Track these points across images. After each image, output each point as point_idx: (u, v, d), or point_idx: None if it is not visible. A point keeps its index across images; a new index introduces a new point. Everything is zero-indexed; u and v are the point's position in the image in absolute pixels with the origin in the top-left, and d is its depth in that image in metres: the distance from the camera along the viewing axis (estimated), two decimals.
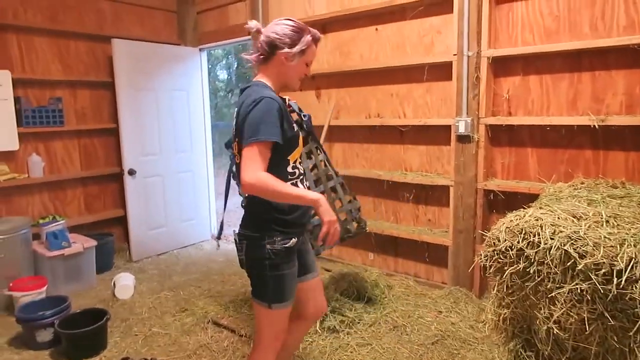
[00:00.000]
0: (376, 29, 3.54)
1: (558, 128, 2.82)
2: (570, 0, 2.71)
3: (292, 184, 1.67)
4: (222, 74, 13.28)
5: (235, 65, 12.94)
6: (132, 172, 4.24)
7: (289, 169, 1.67)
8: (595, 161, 2.75)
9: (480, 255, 1.88)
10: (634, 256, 1.50)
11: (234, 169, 2.14)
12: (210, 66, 11.65)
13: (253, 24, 1.70)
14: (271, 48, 1.65)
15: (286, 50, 1.64)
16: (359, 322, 2.78)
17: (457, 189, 3.16)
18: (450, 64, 3.09)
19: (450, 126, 3.14)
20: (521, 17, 2.90)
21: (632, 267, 1.49)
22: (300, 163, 1.73)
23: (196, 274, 3.98)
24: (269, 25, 1.69)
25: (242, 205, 1.81)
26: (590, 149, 2.76)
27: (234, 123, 1.68)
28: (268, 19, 4.14)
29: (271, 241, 1.63)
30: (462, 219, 3.15)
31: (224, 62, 12.94)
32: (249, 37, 4.26)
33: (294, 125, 1.69)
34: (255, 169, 1.49)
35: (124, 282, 3.49)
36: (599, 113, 2.66)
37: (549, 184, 2.70)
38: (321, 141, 3.75)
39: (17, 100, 3.72)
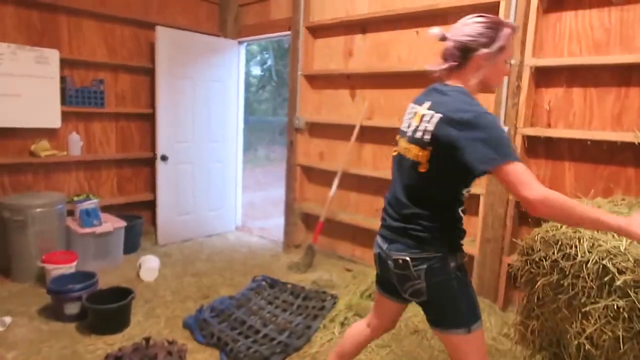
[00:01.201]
0: (417, 32, 3.52)
1: (600, 143, 2.74)
2: (623, 14, 2.64)
3: (462, 210, 1.53)
4: (256, 70, 13.43)
5: (268, 63, 13.08)
6: (164, 158, 4.33)
7: (465, 192, 1.52)
8: (638, 179, 2.66)
9: (511, 264, 1.84)
10: None
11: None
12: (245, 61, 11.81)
13: (437, 30, 1.58)
14: (464, 52, 1.49)
15: (484, 51, 1.47)
16: None
17: (488, 198, 3.10)
18: None
19: None
20: (569, 27, 2.83)
21: None
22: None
23: (219, 262, 4.03)
24: (456, 28, 1.55)
25: (392, 221, 1.58)
26: (633, 166, 2.67)
27: (416, 123, 1.50)
28: (309, 15, 4.16)
29: (455, 257, 1.48)
30: (491, 228, 3.10)
31: (258, 57, 13.10)
32: (289, 32, 4.32)
33: None
34: (537, 184, 1.26)
35: (150, 265, 3.56)
36: None
37: (586, 199, 2.62)
38: (352, 140, 3.75)
39: (62, 79, 3.85)
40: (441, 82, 1.56)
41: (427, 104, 1.50)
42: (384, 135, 3.80)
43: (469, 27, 1.49)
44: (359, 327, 1.93)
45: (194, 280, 3.55)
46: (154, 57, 4.26)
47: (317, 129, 4.29)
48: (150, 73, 4.45)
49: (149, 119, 4.52)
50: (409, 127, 1.56)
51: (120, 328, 2.72)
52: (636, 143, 2.53)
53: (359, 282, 3.15)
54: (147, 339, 2.45)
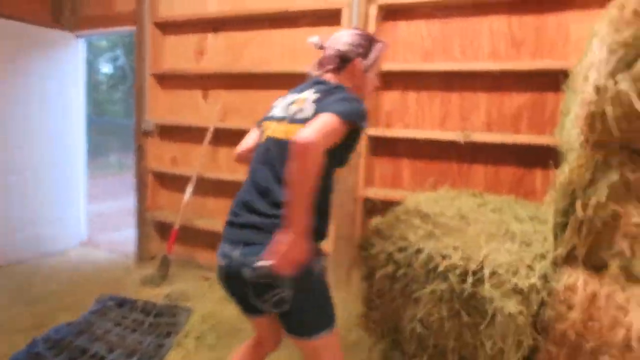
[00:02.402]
0: (269, 33, 3.52)
1: (430, 142, 3.04)
2: (445, 26, 2.96)
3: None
4: (106, 67, 12.29)
5: (123, 57, 12.07)
6: None
7: (332, 182, 1.55)
8: (460, 173, 3.01)
9: (354, 260, 1.92)
10: (484, 258, 1.64)
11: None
12: (92, 57, 10.69)
13: (315, 39, 1.66)
14: (342, 60, 1.58)
15: (360, 60, 1.58)
16: (238, 332, 2.68)
17: (338, 196, 3.23)
18: None
19: None
20: (403, 35, 3.09)
21: (482, 268, 1.63)
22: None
23: (59, 285, 3.54)
24: (335, 38, 1.63)
25: (251, 217, 1.46)
26: (457, 162, 3.01)
27: (299, 106, 1.52)
28: (157, 10, 3.90)
29: (319, 257, 1.47)
30: (342, 226, 3.23)
31: (108, 54, 12.00)
32: (134, 27, 3.99)
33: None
34: (322, 138, 1.28)
35: None
36: (464, 130, 2.92)
37: (418, 193, 2.89)
38: (205, 143, 3.61)
39: None
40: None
41: (311, 91, 1.56)
42: (240, 138, 3.69)
43: (348, 37, 1.60)
44: (241, 354, 1.80)
45: (26, 310, 3.06)
46: None
47: (169, 132, 4.05)
48: None
49: None
50: (287, 112, 1.57)
51: None
52: (457, 141, 2.87)
53: (216, 290, 3.04)
54: None
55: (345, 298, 3.16)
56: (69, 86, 4.34)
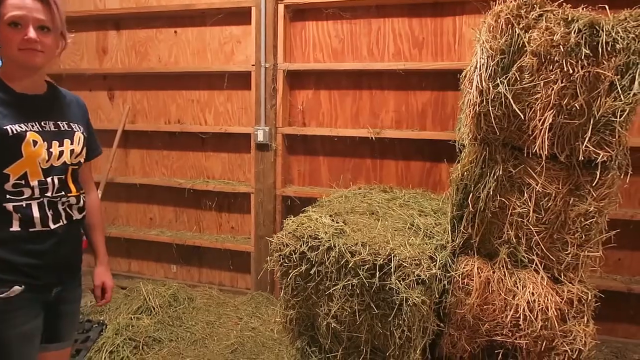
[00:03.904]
0: (175, 32, 3.40)
1: (344, 139, 3.13)
2: (352, 26, 3.05)
3: (18, 207, 1.29)
4: None
5: None
6: None
7: (8, 187, 1.28)
8: (374, 169, 3.14)
9: (268, 260, 1.94)
10: (390, 252, 1.73)
11: None
12: None
13: None
14: None
15: None
16: (156, 342, 2.60)
17: (257, 196, 3.23)
18: (249, 73, 3.15)
19: (250, 134, 3.21)
20: (312, 36, 3.13)
21: (389, 261, 1.72)
22: (38, 179, 1.32)
23: None
24: None
25: None
26: (370, 158, 3.13)
27: None
28: None
29: None
30: (262, 225, 3.24)
31: None
32: None
33: (12, 125, 1.27)
34: None
35: None
36: (375, 127, 3.04)
37: (337, 190, 2.97)
38: (114, 147, 3.43)
39: None
40: None
41: None
42: (151, 139, 3.58)
43: None
44: None
45: None
46: None
47: None
48: None
49: None
50: None
51: None
52: (370, 138, 2.98)
53: (131, 301, 2.91)
54: None
55: (269, 298, 3.19)
56: None
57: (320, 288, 1.85)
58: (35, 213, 1.32)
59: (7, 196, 1.28)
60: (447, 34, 2.90)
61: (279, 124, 3.15)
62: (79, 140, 1.45)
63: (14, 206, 1.29)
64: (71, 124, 1.45)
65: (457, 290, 1.77)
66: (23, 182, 1.30)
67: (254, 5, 3.06)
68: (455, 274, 1.78)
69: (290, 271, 1.88)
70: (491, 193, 1.74)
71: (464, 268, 1.78)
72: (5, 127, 1.26)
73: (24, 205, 1.31)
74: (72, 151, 1.42)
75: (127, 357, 2.45)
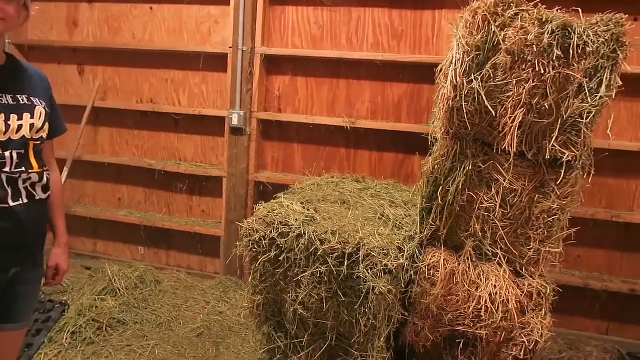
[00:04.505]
0: (151, 8, 3.30)
1: (319, 127, 3.12)
2: (332, 14, 3.02)
3: None
4: None
5: None
6: None
7: None
8: (348, 158, 3.15)
9: (237, 245, 1.93)
10: (359, 241, 1.75)
11: None
12: None
13: None
14: None
15: None
16: (120, 324, 2.56)
17: (230, 181, 3.20)
18: (226, 55, 3.10)
19: (224, 118, 3.16)
20: (292, 21, 3.10)
21: (358, 251, 1.74)
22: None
23: None
24: None
25: None
26: (344, 147, 3.14)
27: None
28: None
29: None
30: (234, 210, 3.22)
31: None
32: None
33: None
34: None
35: None
36: (351, 116, 3.05)
37: (310, 177, 2.97)
38: (83, 124, 3.32)
39: None
40: None
41: None
42: (122, 118, 3.49)
43: None
44: None
45: None
46: None
47: None
48: None
49: None
50: None
51: None
52: (345, 127, 2.98)
53: (96, 282, 2.86)
54: None
55: (237, 283, 3.18)
56: None
57: (289, 275, 1.86)
58: None
59: None
60: (426, 27, 2.91)
61: (254, 109, 3.12)
62: (40, 115, 1.40)
63: None
64: (32, 97, 1.40)
65: (423, 280, 1.81)
66: None
67: None
68: (422, 265, 1.81)
69: (259, 257, 1.88)
70: (460, 187, 1.77)
71: (430, 259, 1.82)
72: None
73: None
74: (32, 125, 1.37)
75: (90, 338, 2.41)
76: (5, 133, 1.29)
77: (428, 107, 2.96)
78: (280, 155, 3.27)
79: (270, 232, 1.85)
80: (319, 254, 1.77)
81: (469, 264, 1.81)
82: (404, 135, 2.98)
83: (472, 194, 1.78)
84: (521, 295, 1.77)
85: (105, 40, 3.41)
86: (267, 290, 1.93)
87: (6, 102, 1.31)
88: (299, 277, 1.82)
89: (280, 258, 1.85)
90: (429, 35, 2.92)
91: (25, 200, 1.36)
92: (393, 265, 1.69)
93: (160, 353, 2.37)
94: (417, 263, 1.83)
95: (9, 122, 1.30)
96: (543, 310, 1.78)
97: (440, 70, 2.45)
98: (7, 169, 1.30)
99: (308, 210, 1.94)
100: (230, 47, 3.07)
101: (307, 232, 1.81)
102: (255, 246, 1.88)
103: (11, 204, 1.32)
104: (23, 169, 1.35)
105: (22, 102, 1.36)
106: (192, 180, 3.40)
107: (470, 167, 1.75)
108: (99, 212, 3.53)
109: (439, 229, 1.87)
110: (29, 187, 1.37)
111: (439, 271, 1.80)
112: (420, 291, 1.82)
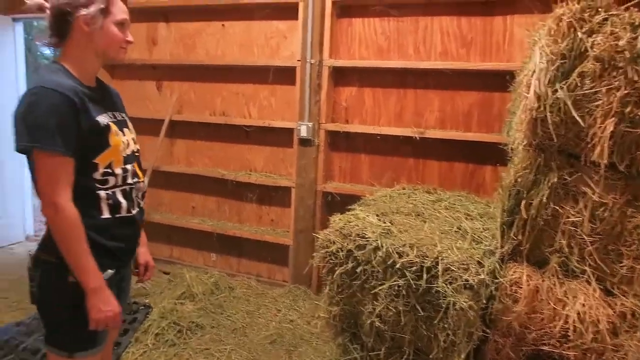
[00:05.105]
0: (223, 25, 3.46)
1: (387, 137, 3.12)
2: (399, 24, 3.02)
3: (108, 194, 1.36)
4: (48, 50, 11.60)
5: None
6: None
7: (97, 176, 1.34)
8: (416, 168, 3.12)
9: (314, 256, 1.97)
10: (438, 255, 1.73)
11: None
12: (31, 38, 10.05)
13: (30, 1, 1.36)
14: (63, 18, 1.30)
15: (83, 12, 1.29)
16: (199, 328, 2.69)
17: (298, 191, 3.27)
18: (294, 69, 3.18)
19: (293, 129, 3.24)
20: (359, 32, 3.13)
21: (437, 264, 1.72)
22: (121, 167, 1.40)
23: (2, 282, 3.39)
24: None
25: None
26: (412, 157, 3.11)
27: None
28: None
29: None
30: (302, 219, 3.28)
31: None
32: None
33: (99, 117, 1.34)
34: (64, 190, 1.25)
35: None
36: (419, 126, 3.02)
37: (378, 188, 2.98)
38: (161, 136, 3.53)
39: None
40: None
41: None
42: (196, 130, 3.67)
43: None
44: None
45: None
46: None
47: None
48: None
49: None
50: None
51: None
52: (413, 137, 2.97)
53: (175, 286, 3.02)
54: None
55: (306, 292, 3.24)
56: (6, 72, 4.08)
57: (366, 287, 1.88)
58: (122, 200, 1.40)
59: (97, 185, 1.34)
60: (496, 34, 2.84)
61: (322, 120, 3.17)
62: (132, 128, 1.53)
63: (105, 194, 1.36)
64: (122, 113, 1.52)
65: (505, 297, 1.76)
66: (110, 170, 1.36)
67: (301, 1, 3.08)
68: (504, 280, 1.76)
69: (336, 268, 1.91)
70: (544, 200, 1.71)
71: (512, 275, 1.77)
72: (97, 119, 1.33)
73: (111, 193, 1.38)
74: (133, 139, 1.50)
75: (172, 340, 2.54)
76: (125, 149, 1.42)
77: (499, 115, 2.87)
78: (348, 166, 3.30)
79: (347, 244, 1.88)
80: (396, 267, 1.77)
81: (554, 281, 1.74)
82: (474, 145, 2.91)
83: (557, 207, 1.72)
84: (613, 315, 1.67)
85: (181, 57, 3.61)
86: (343, 301, 1.95)
87: (115, 119, 1.43)
88: (376, 290, 1.83)
89: (357, 270, 1.87)
90: (499, 41, 2.84)
91: (137, 209, 1.49)
92: (474, 281, 1.66)
93: (237, 358, 2.46)
94: (498, 278, 1.78)
95: (124, 138, 1.43)
96: (638, 332, 1.67)
97: (518, 79, 2.41)
98: (129, 181, 1.44)
99: (384, 222, 1.95)
100: (298, 60, 3.15)
101: (384, 244, 1.82)
102: (332, 258, 1.91)
103: (132, 212, 1.45)
104: (137, 179, 1.48)
105: (120, 118, 1.48)
106: (262, 189, 3.51)
107: (555, 180, 1.69)
108: (174, 220, 3.73)
109: (521, 243, 1.81)
110: (139, 196, 1.50)
111: (521, 287, 1.74)
112: (501, 308, 1.77)
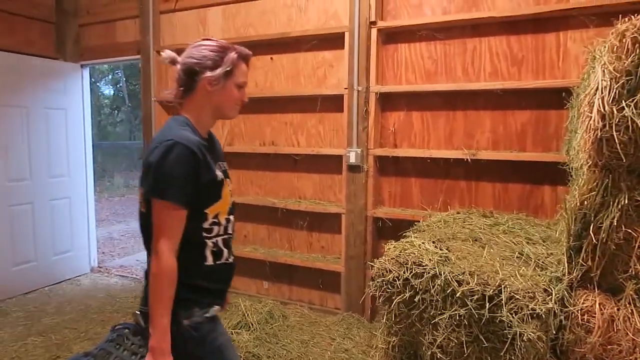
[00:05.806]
0: (271, 58, 3.58)
1: (437, 160, 3.07)
2: (446, 47, 3.01)
3: (213, 243, 1.42)
4: (108, 90, 12.40)
5: (124, 80, 12.19)
6: None
7: (206, 225, 1.41)
8: (469, 191, 3.04)
9: (370, 285, 1.94)
10: (500, 282, 1.66)
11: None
12: (93, 80, 10.80)
13: (167, 54, 1.48)
14: (190, 75, 1.41)
15: (208, 74, 1.40)
16: (256, 358, 2.70)
17: (348, 217, 3.27)
18: (341, 96, 3.23)
19: (341, 156, 3.27)
20: (405, 57, 3.14)
21: (500, 293, 1.65)
22: (225, 217, 1.46)
23: (71, 313, 3.56)
24: (186, 51, 1.46)
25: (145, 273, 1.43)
26: (464, 179, 3.05)
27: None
28: (159, 40, 3.97)
29: (188, 313, 1.37)
30: (353, 245, 3.26)
31: (109, 76, 12.11)
32: (138, 56, 4.06)
33: (217, 171, 1.42)
34: (174, 245, 1.32)
35: None
36: (470, 148, 2.96)
37: (430, 212, 2.92)
38: None
39: None
40: (176, 113, 1.50)
41: None
42: (247, 160, 3.78)
43: (196, 50, 1.44)
44: None
45: (40, 340, 3.08)
46: None
47: None
48: None
49: None
50: None
51: None
52: (465, 159, 2.90)
53: (231, 315, 3.05)
54: None
55: (359, 320, 3.18)
56: (74, 115, 4.40)
57: (425, 316, 1.82)
58: (223, 248, 1.46)
59: (203, 234, 1.40)
60: (549, 51, 2.76)
61: (370, 146, 3.18)
62: (230, 177, 1.57)
63: (211, 242, 1.42)
64: (224, 163, 1.55)
65: (576, 327, 1.65)
66: (216, 220, 1.43)
67: (347, 30, 3.14)
68: (574, 309, 1.66)
69: (393, 297, 1.87)
70: (615, 224, 1.61)
71: (583, 303, 1.66)
72: (216, 173, 1.41)
73: (215, 242, 1.43)
74: (231, 190, 1.53)
75: None
76: (231, 197, 1.49)
77: (556, 133, 2.77)
78: (398, 191, 3.27)
79: (404, 273, 1.84)
80: (456, 295, 1.71)
81: (631, 309, 1.62)
82: (530, 165, 2.81)
83: (629, 230, 1.61)
84: None
85: None
86: (402, 331, 1.90)
87: (222, 170, 1.47)
88: (435, 319, 1.78)
89: (415, 299, 1.82)
90: (553, 58, 2.76)
91: (233, 256, 1.54)
92: (541, 310, 1.58)
93: None
94: (567, 307, 1.68)
95: (229, 188, 1.49)
96: None
97: (570, 94, 2.32)
98: (229, 231, 1.50)
99: (441, 249, 1.90)
100: (345, 88, 3.20)
101: (442, 272, 1.77)
102: (389, 286, 1.87)
103: (230, 259, 1.51)
104: (234, 228, 1.55)
105: (224, 169, 1.51)
106: (312, 216, 3.53)
107: (625, 202, 1.59)
108: None
109: (590, 269, 1.70)
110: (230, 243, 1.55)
111: (594, 316, 1.64)
112: (573, 338, 1.66)
